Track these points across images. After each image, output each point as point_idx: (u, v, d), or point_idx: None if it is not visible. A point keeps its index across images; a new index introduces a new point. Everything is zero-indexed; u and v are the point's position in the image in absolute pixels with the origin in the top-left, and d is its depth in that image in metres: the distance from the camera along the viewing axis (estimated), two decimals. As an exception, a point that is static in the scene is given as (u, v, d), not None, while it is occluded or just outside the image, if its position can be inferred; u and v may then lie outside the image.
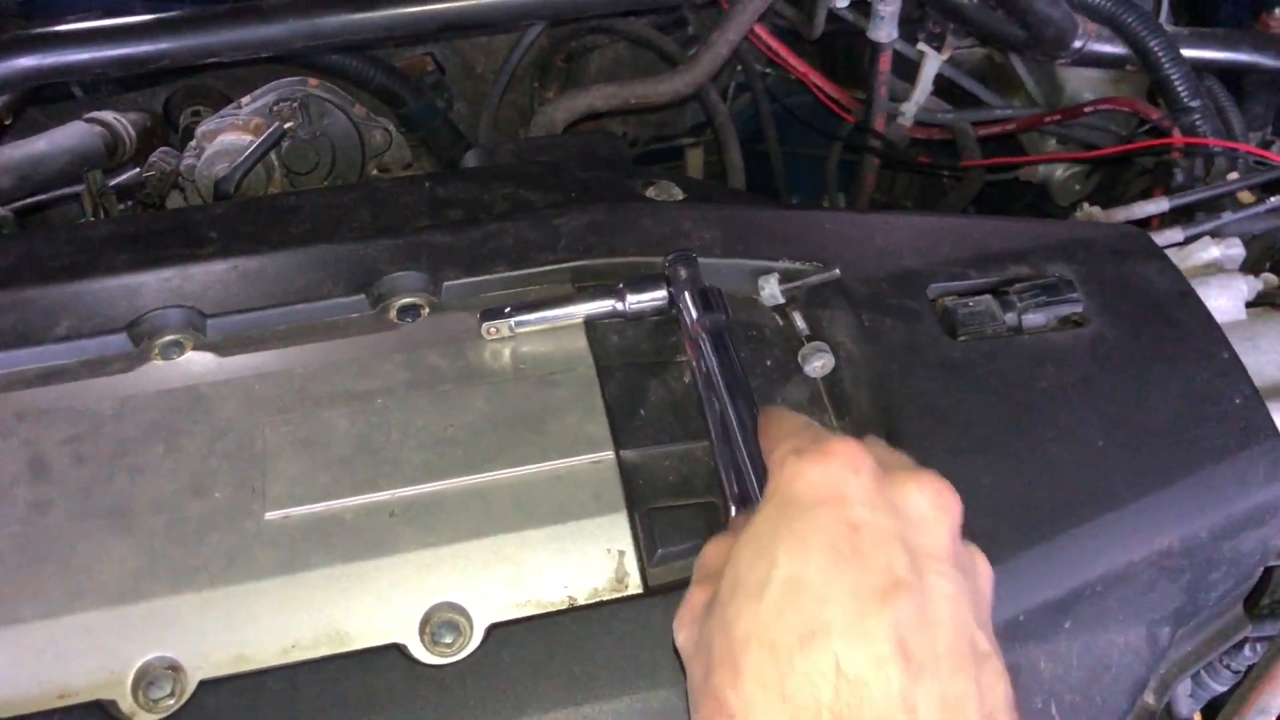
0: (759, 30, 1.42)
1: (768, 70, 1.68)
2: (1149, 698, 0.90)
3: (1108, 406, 0.86)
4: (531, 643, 0.74)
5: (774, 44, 1.43)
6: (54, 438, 0.82)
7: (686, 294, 0.86)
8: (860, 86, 1.57)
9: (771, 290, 0.91)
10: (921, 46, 1.39)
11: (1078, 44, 1.25)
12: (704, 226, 0.96)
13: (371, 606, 0.75)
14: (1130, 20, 1.21)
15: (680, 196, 1.03)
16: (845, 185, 1.69)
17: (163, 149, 1.24)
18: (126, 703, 0.71)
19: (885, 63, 1.39)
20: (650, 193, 1.04)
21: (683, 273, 0.86)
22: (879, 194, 1.80)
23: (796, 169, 1.78)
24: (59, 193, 1.20)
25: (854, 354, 0.88)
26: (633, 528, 0.79)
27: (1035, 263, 0.95)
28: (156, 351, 0.89)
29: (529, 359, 0.88)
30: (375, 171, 1.28)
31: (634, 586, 0.77)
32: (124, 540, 0.77)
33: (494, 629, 0.74)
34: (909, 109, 1.44)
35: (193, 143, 1.21)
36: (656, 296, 0.87)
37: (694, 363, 0.84)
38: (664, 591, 0.76)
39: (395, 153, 1.27)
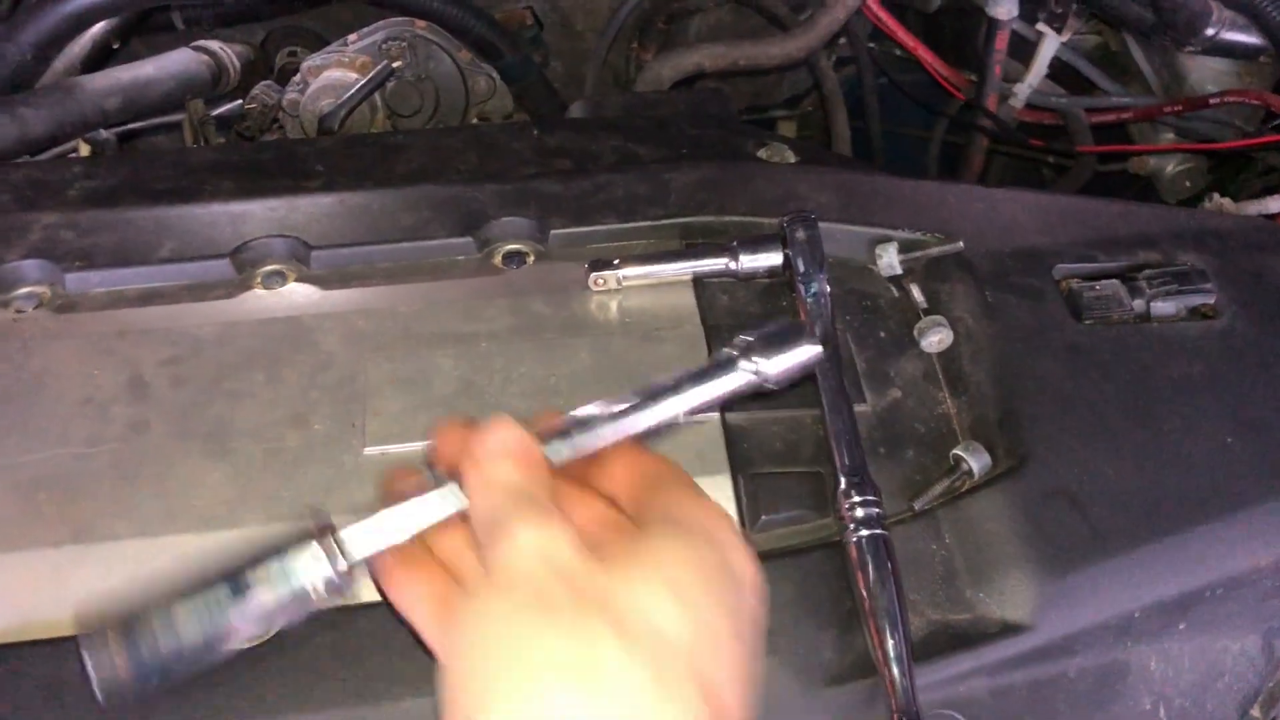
0: (870, 1, 1.38)
1: (871, 44, 1.63)
2: (1255, 711, 0.86)
3: (1238, 403, 0.82)
4: (628, 601, 0.72)
5: (884, 16, 1.39)
6: (154, 358, 0.82)
7: (803, 257, 0.83)
8: (965, 65, 1.52)
9: (890, 260, 0.88)
10: (1041, 27, 1.34)
11: (1210, 31, 1.20)
12: (819, 190, 0.93)
13: (467, 551, 0.73)
14: (1270, 8, 1.16)
15: (793, 159, 1.00)
16: (945, 165, 1.65)
17: (264, 82, 1.23)
18: (217, 629, 0.70)
19: (1003, 41, 1.34)
20: (761, 153, 1.01)
21: (800, 234, 0.83)
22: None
23: (891, 146, 1.74)
24: (159, 120, 1.19)
25: (974, 331, 0.84)
26: (736, 491, 0.76)
27: (1165, 250, 0.91)
28: (259, 280, 0.87)
29: (634, 313, 0.85)
30: (476, 119, 1.26)
31: (735, 551, 0.75)
32: (220, 466, 0.76)
33: (591, 584, 0.72)
34: (1022, 90, 1.39)
35: (296, 77, 1.20)
36: (771, 258, 0.84)
37: (808, 330, 0.81)
38: (766, 558, 0.74)
39: (497, 101, 1.25)
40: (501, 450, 0.57)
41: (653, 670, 0.47)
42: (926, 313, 0.86)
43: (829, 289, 0.82)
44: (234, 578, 0.56)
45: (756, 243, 0.84)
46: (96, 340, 0.82)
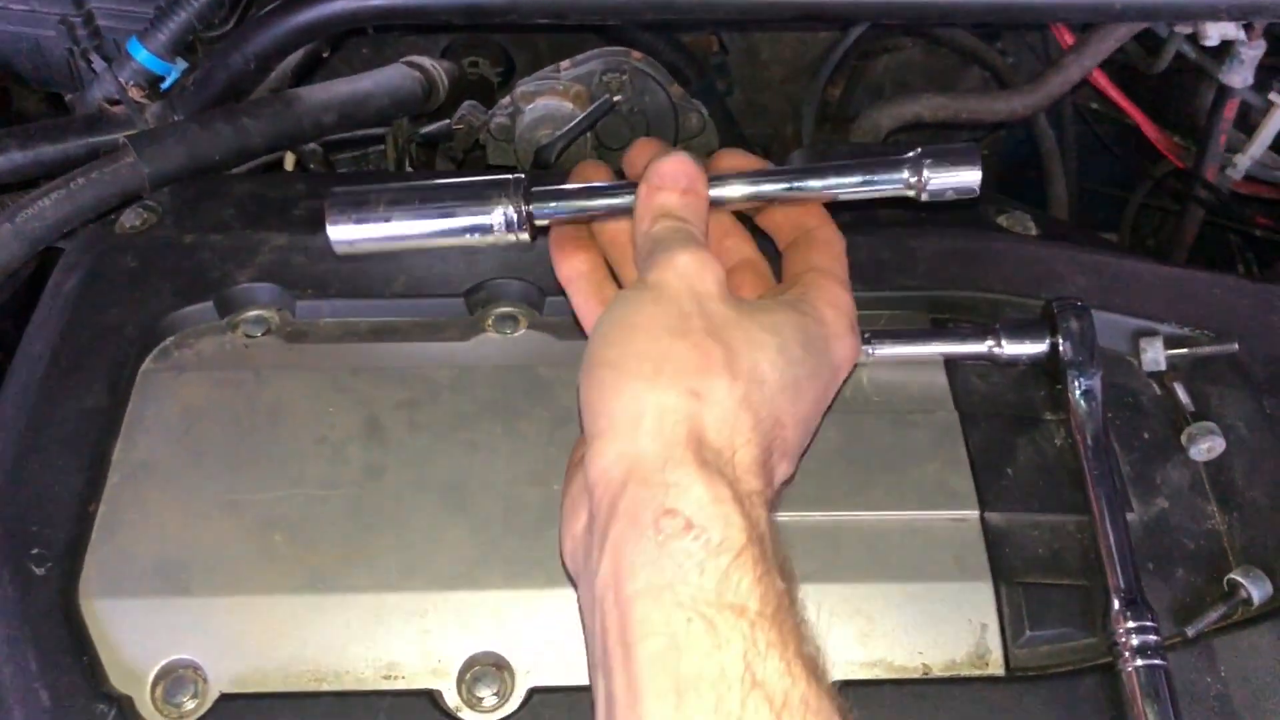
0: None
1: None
2: None
3: None
4: (883, 709, 0.67)
5: (1101, 77, 1.32)
6: (390, 400, 0.79)
7: (1075, 348, 0.78)
8: (1168, 126, 1.45)
9: (1155, 355, 0.82)
10: (1274, 97, 1.27)
11: None
12: (1076, 271, 0.88)
13: (711, 637, 0.70)
14: None
15: (1034, 231, 0.95)
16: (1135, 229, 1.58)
17: (470, 102, 1.20)
18: (452, 696, 0.68)
19: (1231, 110, 1.27)
20: (1002, 220, 0.96)
21: (1073, 324, 0.78)
22: (1153, 241, 1.68)
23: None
24: (364, 132, 1.18)
25: (1249, 441, 0.79)
26: (998, 601, 0.71)
27: None
28: (490, 322, 0.85)
29: (884, 391, 0.81)
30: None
31: (995, 666, 0.70)
32: (458, 521, 0.73)
33: (845, 686, 0.68)
34: (1243, 161, 1.32)
35: (505, 101, 1.17)
36: (1037, 345, 0.79)
37: (1077, 429, 0.76)
38: (1028, 678, 0.69)
39: (705, 138, 1.21)
40: (672, 180, 0.69)
41: (742, 394, 0.60)
42: (1194, 417, 0.80)
43: (1101, 385, 0.77)
44: (441, 190, 0.73)
45: (1021, 328, 0.79)
46: (330, 375, 0.80)
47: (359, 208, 0.72)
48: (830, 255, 0.75)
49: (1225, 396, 0.81)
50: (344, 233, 0.73)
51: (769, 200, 0.76)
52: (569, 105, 1.12)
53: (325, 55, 1.19)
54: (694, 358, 0.60)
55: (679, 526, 0.54)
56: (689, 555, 0.54)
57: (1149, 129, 1.37)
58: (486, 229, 0.72)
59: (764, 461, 0.61)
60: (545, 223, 0.74)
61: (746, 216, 0.81)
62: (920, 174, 0.74)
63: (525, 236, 0.73)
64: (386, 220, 0.72)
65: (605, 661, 0.56)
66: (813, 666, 0.54)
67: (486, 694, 0.68)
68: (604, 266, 0.76)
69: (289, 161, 1.12)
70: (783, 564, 0.58)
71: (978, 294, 0.86)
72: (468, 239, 0.72)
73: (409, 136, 1.14)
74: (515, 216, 0.71)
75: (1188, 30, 1.20)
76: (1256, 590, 0.72)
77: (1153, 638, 0.67)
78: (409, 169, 1.14)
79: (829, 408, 0.71)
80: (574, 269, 0.75)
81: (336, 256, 0.86)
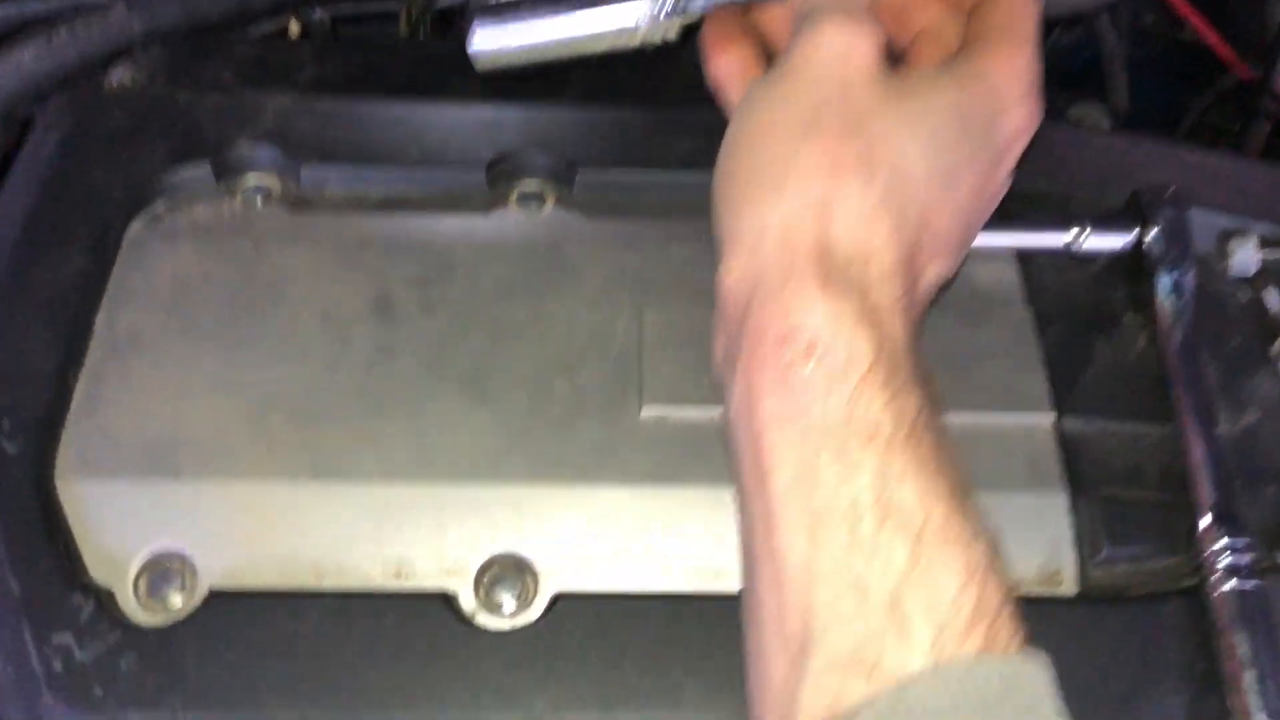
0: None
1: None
2: None
3: None
4: (945, 628, 0.61)
5: (1160, -26, 1.23)
6: (401, 275, 0.72)
7: (1168, 242, 0.70)
8: (1233, 42, 1.36)
9: (1245, 256, 0.75)
10: (1352, 0, 1.18)
11: None
12: (1157, 163, 0.80)
13: (753, 543, 0.63)
14: None
15: (1106, 125, 0.87)
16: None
17: (491, -26, 1.11)
18: (468, 599, 0.61)
19: (1306, 13, 1.19)
20: (1073, 112, 0.88)
21: (1168, 214, 0.70)
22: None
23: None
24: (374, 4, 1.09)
25: (1349, 353, 0.72)
26: (1073, 514, 0.65)
27: None
28: (514, 198, 0.77)
29: (952, 284, 0.73)
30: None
31: (1068, 585, 0.63)
32: (480, 409, 0.66)
33: (904, 602, 0.61)
34: (1313, 73, 1.23)
35: (529, -26, 1.08)
36: (1123, 239, 0.71)
37: (1163, 331, 0.69)
38: (1104, 600, 0.63)
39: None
40: None
41: (880, 193, 0.53)
42: (1288, 325, 0.73)
43: (1194, 283, 0.69)
44: None
45: (1107, 219, 0.72)
46: (336, 248, 0.73)
47: (505, 15, 0.66)
48: (1011, 11, 0.63)
49: (1322, 304, 0.74)
50: (490, 40, 0.65)
51: None
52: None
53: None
54: (825, 160, 0.53)
55: (800, 351, 0.49)
56: (812, 380, 0.49)
57: (1213, 38, 1.27)
58: (642, 22, 0.64)
59: (907, 264, 0.54)
60: (698, 14, 0.66)
61: None
62: None
63: (678, 27, 0.65)
64: (534, 24, 0.65)
65: (745, 485, 0.52)
66: (951, 488, 0.48)
67: (506, 598, 0.61)
68: (758, 62, 0.67)
69: (294, 29, 1.03)
70: (921, 376, 0.52)
71: (1049, 187, 0.78)
72: (617, 38, 0.65)
73: (423, 8, 1.04)
74: (670, 4, 0.63)
75: (1268, -76, 1.11)
76: (1355, 513, 0.65)
77: (1249, 557, 0.61)
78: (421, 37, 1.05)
79: (1004, 186, 0.63)
80: (726, 66, 0.66)
81: (346, 120, 0.79)
